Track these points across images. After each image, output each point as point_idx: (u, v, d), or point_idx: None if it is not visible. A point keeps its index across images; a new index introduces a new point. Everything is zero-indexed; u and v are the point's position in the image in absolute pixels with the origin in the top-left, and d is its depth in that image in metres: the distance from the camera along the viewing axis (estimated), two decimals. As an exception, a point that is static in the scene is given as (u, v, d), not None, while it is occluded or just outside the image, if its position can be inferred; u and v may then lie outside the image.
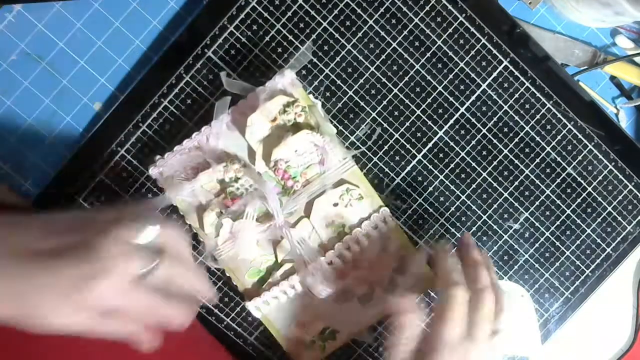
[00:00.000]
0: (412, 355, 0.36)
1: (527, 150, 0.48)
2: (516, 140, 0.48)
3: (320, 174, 0.42)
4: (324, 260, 0.42)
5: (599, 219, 0.49)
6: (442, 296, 0.37)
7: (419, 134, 0.47)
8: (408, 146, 0.47)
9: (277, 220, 0.41)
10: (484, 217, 0.48)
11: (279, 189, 0.42)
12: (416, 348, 0.36)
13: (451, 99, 0.47)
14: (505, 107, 0.47)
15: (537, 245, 0.49)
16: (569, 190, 0.49)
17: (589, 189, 0.49)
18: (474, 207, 0.48)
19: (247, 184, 0.41)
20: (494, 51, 0.46)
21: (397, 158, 0.47)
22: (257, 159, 0.41)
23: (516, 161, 0.48)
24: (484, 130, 0.47)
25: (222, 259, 0.42)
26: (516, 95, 0.47)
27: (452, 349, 0.35)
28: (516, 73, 0.47)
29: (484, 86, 0.47)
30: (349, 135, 0.46)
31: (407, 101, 0.46)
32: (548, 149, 0.48)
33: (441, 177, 0.47)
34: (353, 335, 0.45)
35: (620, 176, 0.49)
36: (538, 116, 0.47)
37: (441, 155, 0.47)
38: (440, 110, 0.47)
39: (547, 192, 0.49)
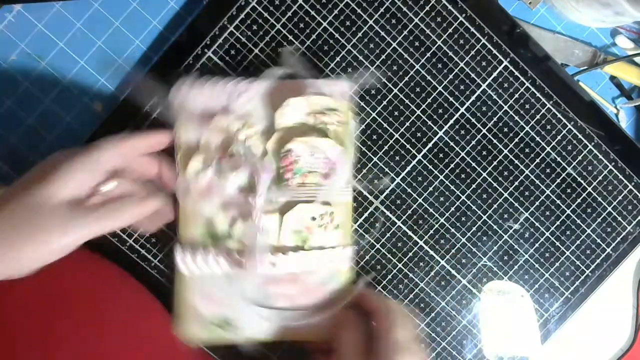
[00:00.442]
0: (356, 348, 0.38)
1: (527, 150, 0.48)
2: (516, 140, 0.48)
3: (318, 185, 0.41)
4: (271, 258, 0.41)
5: (599, 219, 0.49)
6: (381, 309, 0.39)
7: (419, 134, 0.47)
8: (408, 146, 0.47)
9: (256, 199, 0.40)
10: (484, 217, 0.48)
11: (273, 174, 0.41)
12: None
13: (451, 99, 0.47)
14: (505, 107, 0.47)
15: (537, 245, 0.49)
16: (569, 190, 0.49)
17: (589, 189, 0.49)
18: (474, 207, 0.48)
19: (249, 152, 0.40)
20: (494, 51, 0.46)
21: (397, 158, 0.47)
22: (273, 139, 0.40)
23: (516, 161, 0.48)
24: (484, 130, 0.47)
25: (185, 200, 0.41)
26: (516, 95, 0.47)
27: (409, 350, 0.37)
28: (516, 73, 0.47)
29: (484, 86, 0.47)
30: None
31: (407, 101, 0.46)
32: (548, 149, 0.48)
33: (441, 177, 0.47)
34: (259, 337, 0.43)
35: (620, 176, 0.49)
36: (538, 116, 0.47)
37: (441, 155, 0.47)
38: (440, 110, 0.47)
39: (547, 192, 0.49)
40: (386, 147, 0.47)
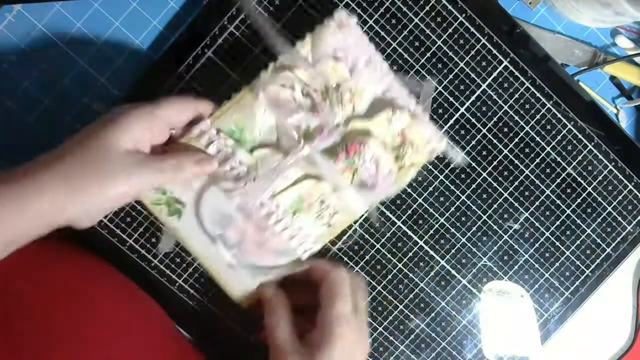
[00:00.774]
0: (292, 335, 0.39)
1: (527, 150, 0.48)
2: (516, 140, 0.48)
3: (351, 183, 0.42)
4: (267, 198, 0.41)
5: (599, 219, 0.49)
6: (324, 281, 0.40)
7: (419, 134, 0.47)
8: (408, 146, 0.47)
9: (305, 146, 0.40)
10: (484, 217, 0.48)
11: (331, 145, 0.41)
12: (293, 329, 0.40)
13: (451, 99, 0.47)
14: (505, 107, 0.47)
15: (537, 245, 0.49)
16: (569, 190, 0.49)
17: (589, 189, 0.49)
18: (474, 207, 0.48)
19: (340, 107, 0.40)
20: (494, 51, 0.46)
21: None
22: (360, 122, 0.41)
23: (516, 161, 0.48)
24: (484, 130, 0.47)
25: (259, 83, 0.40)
26: (516, 95, 0.47)
27: (348, 321, 0.38)
28: (516, 73, 0.47)
29: (484, 86, 0.47)
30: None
31: (407, 101, 0.46)
32: (548, 149, 0.48)
33: (441, 177, 0.47)
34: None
35: (620, 176, 0.49)
36: (538, 116, 0.47)
37: (441, 155, 0.47)
38: (440, 110, 0.47)
39: (547, 192, 0.49)
40: (386, 147, 0.47)
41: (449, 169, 0.47)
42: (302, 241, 0.42)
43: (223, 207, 0.41)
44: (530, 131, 0.48)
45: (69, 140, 0.36)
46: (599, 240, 0.50)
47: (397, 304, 0.48)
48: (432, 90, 0.44)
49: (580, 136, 0.48)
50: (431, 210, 0.48)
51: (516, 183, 0.48)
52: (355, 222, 0.47)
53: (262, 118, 0.40)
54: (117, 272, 0.44)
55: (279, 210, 0.41)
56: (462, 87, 0.46)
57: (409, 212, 0.48)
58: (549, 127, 0.48)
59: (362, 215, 0.46)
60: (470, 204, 0.48)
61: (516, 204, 0.48)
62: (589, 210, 0.49)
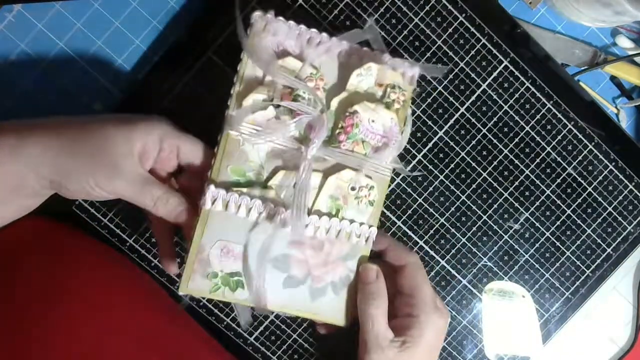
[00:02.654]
0: (387, 323, 0.40)
1: (527, 150, 0.48)
2: (516, 140, 0.48)
3: (366, 154, 0.40)
4: (306, 218, 0.39)
5: (599, 219, 0.49)
6: (411, 262, 0.41)
7: (419, 134, 0.47)
8: (408, 146, 0.47)
9: (309, 149, 0.38)
10: (484, 217, 0.48)
11: (328, 133, 0.40)
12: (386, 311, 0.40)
13: (451, 99, 0.47)
14: (505, 107, 0.47)
15: (537, 245, 0.49)
16: (569, 190, 0.49)
17: (589, 189, 0.49)
18: (474, 207, 0.48)
19: (314, 100, 0.39)
20: (494, 51, 0.46)
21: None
22: (340, 97, 0.40)
23: (516, 161, 0.48)
24: (484, 130, 0.47)
25: (232, 132, 0.38)
26: (516, 95, 0.47)
27: (435, 306, 0.40)
28: (516, 73, 0.47)
29: (484, 86, 0.47)
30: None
31: (407, 101, 0.46)
32: (548, 149, 0.48)
33: (441, 177, 0.47)
34: (261, 309, 0.40)
35: (621, 176, 0.49)
36: (538, 116, 0.47)
37: (441, 155, 0.47)
38: (440, 110, 0.47)
39: (547, 192, 0.49)
40: (386, 147, 0.47)
41: (449, 169, 0.47)
42: (359, 232, 0.41)
43: (276, 252, 0.39)
44: (531, 131, 0.48)
45: (90, 119, 0.37)
46: (599, 241, 0.50)
47: (397, 304, 0.48)
48: (376, 29, 0.42)
49: (580, 136, 0.48)
50: (431, 210, 0.48)
51: (516, 183, 0.48)
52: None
53: (255, 151, 0.39)
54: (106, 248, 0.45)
55: (322, 221, 0.40)
56: (462, 87, 0.46)
57: (409, 212, 0.47)
58: (549, 127, 0.48)
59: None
60: (470, 204, 0.48)
61: (516, 204, 0.48)
62: (589, 210, 0.49)
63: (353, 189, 0.40)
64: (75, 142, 0.35)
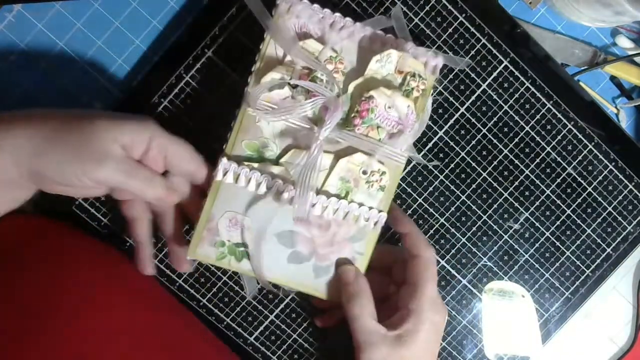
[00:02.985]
0: (375, 319, 0.40)
1: (527, 150, 0.48)
2: (516, 140, 0.48)
3: (380, 140, 0.40)
4: (313, 198, 0.40)
5: (599, 219, 0.49)
6: (425, 257, 0.41)
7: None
8: (408, 146, 0.47)
9: (322, 130, 0.38)
10: (484, 217, 0.48)
11: (344, 115, 0.40)
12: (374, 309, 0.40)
13: (451, 99, 0.47)
14: (505, 107, 0.47)
15: (537, 245, 0.49)
16: (569, 190, 0.49)
17: (589, 189, 0.49)
18: (474, 207, 0.48)
19: (332, 82, 0.39)
20: (494, 51, 0.46)
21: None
22: (358, 81, 0.40)
23: (516, 161, 0.48)
24: (484, 130, 0.47)
25: (249, 109, 0.39)
26: (516, 95, 0.47)
27: (437, 303, 0.40)
28: (516, 73, 0.47)
29: (484, 86, 0.47)
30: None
31: (407, 101, 0.46)
32: (548, 149, 0.48)
33: (441, 177, 0.47)
34: (268, 280, 0.41)
35: (621, 176, 0.49)
36: (538, 116, 0.47)
37: (441, 155, 0.47)
38: (440, 110, 0.47)
39: (547, 192, 0.49)
40: (386, 147, 0.47)
41: (449, 169, 0.47)
42: (368, 216, 0.41)
43: (282, 227, 0.40)
44: (530, 131, 0.48)
45: (69, 113, 0.36)
46: (599, 240, 0.50)
47: (397, 304, 0.48)
48: (401, 17, 0.42)
49: (580, 136, 0.48)
50: (431, 210, 0.48)
51: (516, 183, 0.48)
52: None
53: (270, 128, 0.40)
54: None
55: (330, 201, 0.40)
56: (462, 87, 0.46)
57: (409, 212, 0.47)
58: (549, 127, 0.48)
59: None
60: (470, 204, 0.48)
61: (516, 204, 0.48)
62: (589, 210, 0.49)
63: (365, 172, 0.41)
64: (59, 132, 0.35)
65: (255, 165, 0.39)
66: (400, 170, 0.42)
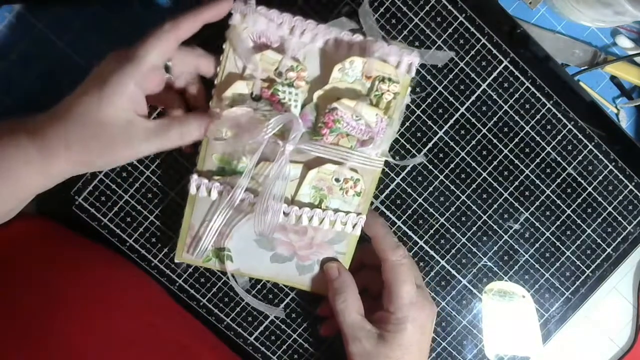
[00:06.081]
0: (361, 314, 0.41)
1: (527, 150, 0.48)
2: (516, 140, 0.48)
3: (352, 147, 0.40)
4: (283, 207, 0.40)
5: (599, 219, 0.49)
6: (391, 260, 0.41)
7: (419, 134, 0.47)
8: (408, 146, 0.47)
9: (287, 144, 0.38)
10: (484, 217, 0.48)
11: (311, 125, 0.40)
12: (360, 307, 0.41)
13: (451, 99, 0.47)
14: (505, 107, 0.47)
15: (537, 245, 0.49)
16: (569, 190, 0.49)
17: (589, 189, 0.49)
18: (474, 207, 0.48)
19: (293, 97, 0.39)
20: (494, 51, 0.46)
21: (397, 158, 0.47)
22: (322, 91, 0.39)
23: (516, 161, 0.48)
24: (484, 130, 0.47)
25: (215, 126, 0.39)
26: (516, 95, 0.47)
27: (415, 303, 0.40)
28: (516, 73, 0.47)
29: (484, 86, 0.47)
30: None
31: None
32: (548, 149, 0.48)
33: (441, 177, 0.47)
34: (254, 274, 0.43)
35: (621, 176, 0.49)
36: (538, 116, 0.47)
37: (441, 155, 0.47)
38: (440, 110, 0.47)
39: (547, 192, 0.49)
40: (386, 147, 0.47)
41: (449, 169, 0.47)
42: (345, 220, 0.42)
43: (257, 234, 0.41)
44: (531, 131, 0.48)
45: (66, 101, 0.37)
46: (599, 241, 0.50)
47: (397, 304, 0.48)
48: (370, 13, 0.40)
49: (580, 136, 0.48)
50: (431, 210, 0.48)
51: (516, 183, 0.48)
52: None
53: (240, 146, 0.40)
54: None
55: (303, 210, 0.41)
56: (462, 87, 0.46)
57: (409, 212, 0.47)
58: (549, 127, 0.48)
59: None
60: (470, 204, 0.48)
61: (516, 204, 0.48)
62: (589, 210, 0.49)
63: (337, 180, 0.41)
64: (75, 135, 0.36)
65: (228, 178, 0.40)
66: (377, 174, 0.42)
